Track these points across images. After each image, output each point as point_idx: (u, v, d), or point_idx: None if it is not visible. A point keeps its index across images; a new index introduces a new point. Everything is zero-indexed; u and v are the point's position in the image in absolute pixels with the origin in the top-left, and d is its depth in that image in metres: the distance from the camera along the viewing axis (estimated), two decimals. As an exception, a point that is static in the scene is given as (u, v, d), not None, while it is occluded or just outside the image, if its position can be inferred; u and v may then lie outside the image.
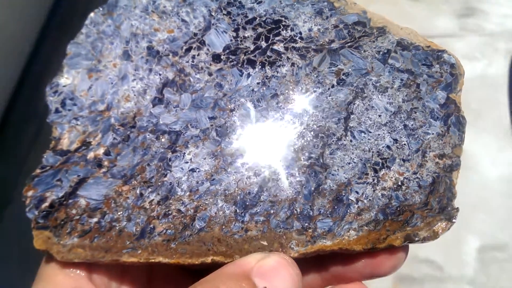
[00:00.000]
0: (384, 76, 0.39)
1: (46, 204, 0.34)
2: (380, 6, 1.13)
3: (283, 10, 0.42)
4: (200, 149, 0.36)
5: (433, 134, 0.37)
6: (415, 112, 0.38)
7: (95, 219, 0.34)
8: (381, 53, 0.40)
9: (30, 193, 0.34)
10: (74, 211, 0.34)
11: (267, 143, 0.37)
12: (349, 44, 0.40)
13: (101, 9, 0.42)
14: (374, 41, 0.40)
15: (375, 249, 0.33)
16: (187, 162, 0.36)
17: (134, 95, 0.38)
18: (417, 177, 0.36)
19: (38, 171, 0.35)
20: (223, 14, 0.41)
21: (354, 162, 0.36)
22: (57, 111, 0.37)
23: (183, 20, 0.41)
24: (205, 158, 0.36)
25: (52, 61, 1.06)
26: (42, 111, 0.99)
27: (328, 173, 0.36)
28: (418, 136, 0.37)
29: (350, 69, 0.39)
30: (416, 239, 0.33)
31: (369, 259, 0.34)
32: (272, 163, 0.36)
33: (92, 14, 0.42)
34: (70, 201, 0.34)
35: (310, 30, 0.41)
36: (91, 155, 0.36)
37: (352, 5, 0.42)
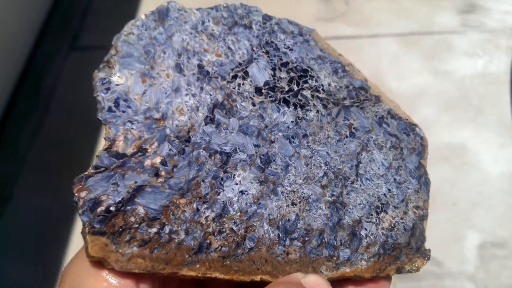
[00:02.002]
0: (380, 136, 0.48)
1: (102, 208, 0.32)
2: (382, 3, 1.13)
3: (309, 62, 0.48)
4: (248, 173, 0.39)
5: (411, 189, 0.47)
6: (401, 170, 0.48)
7: (154, 229, 0.33)
8: (377, 117, 0.49)
9: (83, 194, 0.31)
10: (132, 219, 0.32)
11: (301, 175, 0.41)
12: (356, 104, 0.49)
13: (151, 13, 0.41)
14: (373, 106, 0.50)
15: (377, 276, 0.41)
16: (237, 184, 0.38)
17: (188, 109, 0.39)
18: (403, 222, 0.45)
19: (91, 170, 0.33)
20: (263, 52, 0.45)
21: (363, 204, 0.43)
22: (110, 109, 0.35)
23: (229, 48, 0.44)
24: (252, 182, 0.39)
25: (52, 57, 1.07)
26: (42, 108, 0.99)
27: (346, 210, 0.42)
28: (403, 189, 0.47)
29: (358, 125, 0.47)
30: (403, 271, 0.42)
31: (372, 284, 0.41)
32: (305, 195, 0.41)
33: (143, 17, 0.41)
34: (128, 207, 0.33)
35: (329, 84, 0.48)
36: (148, 162, 0.35)
37: (358, 72, 0.51)
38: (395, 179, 0.47)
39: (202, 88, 0.41)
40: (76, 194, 0.32)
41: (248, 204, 0.38)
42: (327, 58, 0.50)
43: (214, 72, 0.42)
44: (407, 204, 0.47)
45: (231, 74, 0.43)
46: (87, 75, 1.04)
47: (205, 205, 0.36)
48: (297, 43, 0.49)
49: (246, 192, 0.38)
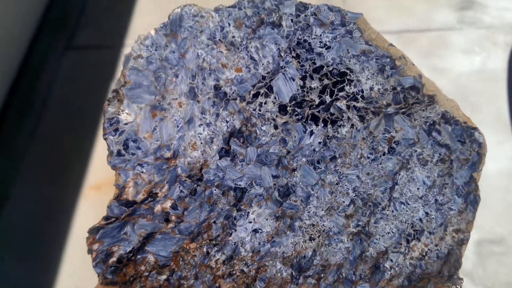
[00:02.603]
0: (427, 149, 0.42)
1: (114, 259, 0.33)
2: (379, 0, 1.12)
3: (349, 61, 0.41)
4: (263, 209, 0.37)
5: (455, 210, 0.42)
6: (445, 188, 0.43)
7: (164, 276, 0.34)
8: (427, 124, 0.43)
9: (95, 247, 0.33)
10: (143, 267, 0.34)
11: (323, 206, 0.39)
12: (403, 110, 0.42)
13: (162, 26, 0.37)
14: (424, 110, 0.43)
15: None
16: (250, 222, 0.37)
17: (201, 143, 0.36)
18: (437, 249, 0.42)
19: (102, 222, 0.33)
20: (292, 56, 0.39)
21: (393, 232, 0.40)
22: (119, 154, 0.34)
23: (251, 58, 0.38)
24: (267, 219, 0.37)
25: (49, 56, 1.05)
26: (39, 107, 0.98)
27: (371, 241, 0.40)
28: (444, 211, 0.42)
29: (400, 138, 0.42)
30: None
31: None
32: (326, 228, 0.39)
33: (152, 32, 0.37)
34: (139, 256, 0.34)
35: (371, 89, 0.41)
36: (158, 208, 0.35)
37: (411, 66, 0.43)
38: (436, 200, 0.43)
39: (218, 115, 0.37)
40: (89, 247, 0.33)
41: (262, 243, 0.37)
42: (373, 53, 0.42)
43: (233, 93, 0.38)
44: (446, 228, 0.43)
45: (252, 92, 0.38)
46: (83, 74, 1.00)
47: (216, 248, 0.36)
48: (336, 37, 0.41)
49: (260, 231, 0.37)
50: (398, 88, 0.42)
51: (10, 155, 0.93)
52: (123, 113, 0.35)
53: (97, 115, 0.96)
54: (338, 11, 0.42)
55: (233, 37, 0.38)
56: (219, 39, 0.38)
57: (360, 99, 0.41)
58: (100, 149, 0.90)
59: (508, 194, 0.82)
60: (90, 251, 0.34)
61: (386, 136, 0.42)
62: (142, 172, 0.35)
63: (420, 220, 0.42)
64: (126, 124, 0.35)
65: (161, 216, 0.35)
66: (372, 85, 0.42)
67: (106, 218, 0.34)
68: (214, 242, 0.36)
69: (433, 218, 0.43)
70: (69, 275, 0.77)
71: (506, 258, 0.78)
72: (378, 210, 0.41)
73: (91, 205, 0.83)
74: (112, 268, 0.34)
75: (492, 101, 0.95)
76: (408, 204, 0.42)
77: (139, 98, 0.36)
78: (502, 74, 0.98)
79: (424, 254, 0.42)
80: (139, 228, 0.34)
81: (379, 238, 0.41)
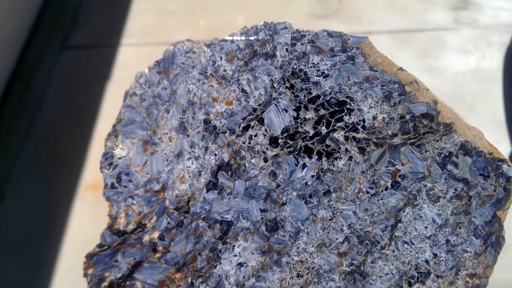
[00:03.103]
0: (439, 183, 0.38)
1: (106, 284, 0.36)
2: (375, 0, 1.10)
3: (350, 89, 0.39)
4: (249, 243, 0.37)
5: (471, 252, 0.38)
6: (460, 228, 0.38)
7: None
8: (442, 155, 0.39)
9: (90, 271, 0.36)
10: None
11: (314, 242, 0.38)
12: (412, 140, 0.39)
13: (156, 64, 0.38)
14: (438, 140, 0.39)
15: None
16: (235, 256, 0.37)
17: (189, 176, 0.38)
18: None
19: (96, 249, 0.36)
20: (286, 87, 0.38)
21: (392, 274, 0.38)
22: (113, 186, 0.37)
23: (243, 90, 0.38)
24: (253, 253, 0.37)
25: (43, 56, 1.05)
26: (34, 106, 0.98)
27: (366, 281, 0.38)
28: (456, 253, 0.38)
29: (407, 171, 0.38)
30: None
31: None
32: (316, 265, 0.37)
33: (146, 71, 0.38)
34: (128, 283, 0.36)
35: (374, 118, 0.39)
36: (146, 238, 0.37)
37: (424, 92, 0.39)
38: (448, 241, 0.39)
39: (206, 149, 0.38)
40: (84, 272, 0.37)
41: (246, 277, 0.37)
42: (378, 79, 0.39)
43: (222, 126, 0.38)
44: (457, 272, 0.38)
45: (242, 125, 0.38)
46: (78, 74, 0.99)
47: (200, 279, 0.37)
48: (336, 64, 0.39)
49: (245, 264, 0.38)
50: (407, 117, 0.39)
51: (5, 155, 0.92)
52: (117, 148, 0.38)
53: (92, 115, 0.96)
54: (339, 36, 0.39)
55: (225, 70, 0.39)
56: (211, 74, 0.39)
57: (361, 129, 0.39)
58: (95, 149, 0.91)
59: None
60: (85, 275, 0.37)
61: (390, 170, 0.39)
62: (133, 203, 0.37)
63: (427, 261, 0.39)
64: (119, 158, 0.38)
65: (149, 246, 0.37)
66: (376, 114, 0.39)
67: (100, 245, 0.37)
68: (198, 273, 0.37)
69: (442, 260, 0.39)
70: (64, 275, 0.80)
71: (502, 257, 0.74)
72: (376, 249, 0.38)
73: (86, 206, 0.85)
74: None
75: (487, 100, 0.94)
76: (413, 244, 0.39)
77: (132, 134, 0.38)
78: (497, 73, 0.97)
79: None
80: (128, 256, 0.37)
81: (376, 279, 0.38)
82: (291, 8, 1.07)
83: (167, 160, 0.38)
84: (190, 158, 0.38)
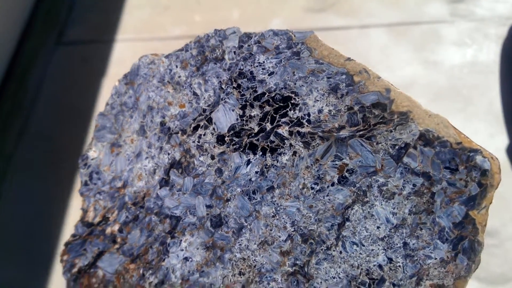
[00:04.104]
0: (394, 178, 0.34)
1: (76, 269, 0.40)
2: None
3: (295, 84, 0.38)
4: (195, 238, 0.38)
5: (435, 259, 0.32)
6: (421, 229, 0.33)
7: None
8: (396, 147, 0.34)
9: (65, 257, 0.41)
10: (94, 280, 0.40)
11: (256, 240, 0.37)
12: (361, 132, 0.35)
13: (124, 78, 0.43)
14: (391, 131, 0.35)
15: None
16: (182, 250, 0.38)
17: (146, 174, 0.41)
18: None
19: (70, 238, 0.41)
20: (233, 87, 0.39)
21: (340, 278, 0.34)
22: (86, 184, 0.42)
23: (194, 93, 0.41)
24: (198, 248, 0.38)
25: (38, 53, 1.03)
26: (28, 104, 0.97)
27: (310, 284, 0.35)
28: (417, 259, 0.33)
29: (355, 165, 0.35)
30: None
31: None
32: (257, 263, 0.36)
33: (117, 84, 0.44)
34: (92, 270, 0.40)
35: (320, 111, 0.37)
36: (108, 230, 0.41)
37: (375, 81, 0.36)
38: (405, 244, 0.33)
39: (161, 148, 0.41)
40: (61, 257, 0.42)
41: (191, 271, 0.38)
42: (324, 72, 0.37)
43: (176, 127, 0.41)
44: (419, 281, 0.32)
45: (193, 126, 0.40)
46: (73, 70, 0.98)
47: (150, 271, 0.39)
48: (281, 61, 0.39)
49: (190, 259, 0.38)
50: (356, 108, 0.36)
51: (0, 153, 0.90)
52: (91, 151, 0.43)
53: (88, 111, 0.95)
54: (285, 34, 0.39)
55: (179, 77, 0.42)
56: (167, 81, 0.42)
57: (306, 123, 0.37)
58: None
59: (500, 186, 0.66)
60: (62, 260, 0.42)
61: (336, 164, 0.36)
62: (100, 199, 0.42)
63: (380, 266, 0.34)
64: (92, 159, 0.43)
65: (110, 238, 0.41)
66: (322, 107, 0.37)
67: (73, 235, 0.42)
68: (149, 265, 0.39)
69: (399, 266, 0.33)
70: (61, 274, 0.81)
71: (499, 250, 0.76)
72: (322, 250, 0.35)
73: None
74: (74, 277, 0.41)
75: (484, 93, 0.91)
76: (363, 246, 0.34)
77: (103, 138, 0.43)
78: (494, 66, 0.95)
79: None
80: (94, 246, 0.41)
81: (321, 282, 0.35)
82: (288, 2, 1.04)
83: (129, 160, 0.42)
84: (147, 157, 0.41)
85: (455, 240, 0.32)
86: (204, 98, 0.41)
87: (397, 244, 0.34)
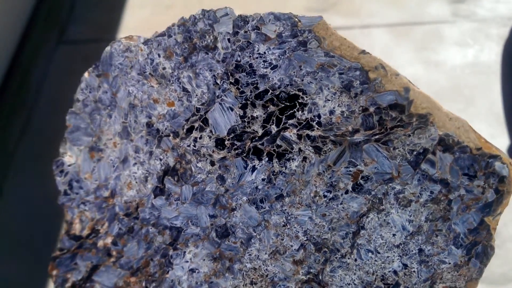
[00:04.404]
0: (411, 185, 0.33)
1: (69, 284, 0.38)
2: None
3: (302, 80, 0.33)
4: (200, 249, 0.36)
5: (449, 264, 0.33)
6: (437, 236, 0.33)
7: None
8: (414, 153, 0.33)
9: (54, 272, 0.38)
10: None
11: (267, 250, 0.35)
12: (376, 136, 0.33)
13: (94, 68, 0.36)
14: (409, 135, 0.33)
15: None
16: (187, 262, 0.36)
17: (136, 182, 0.37)
18: None
19: (58, 252, 0.38)
20: (230, 82, 0.34)
21: (355, 284, 0.34)
22: (65, 193, 0.38)
23: (184, 89, 0.35)
24: (204, 260, 0.36)
25: (39, 54, 1.04)
26: (30, 102, 0.98)
27: None
28: (431, 264, 0.33)
29: (371, 172, 0.33)
30: None
31: None
32: (270, 273, 0.35)
33: (86, 75, 0.37)
34: (88, 284, 0.38)
35: (331, 112, 0.33)
36: (100, 243, 0.37)
37: (393, 78, 0.33)
38: (420, 250, 0.33)
39: (151, 153, 0.36)
40: (50, 273, 0.38)
41: (199, 283, 0.36)
42: (335, 66, 0.33)
43: (165, 129, 0.36)
44: (433, 284, 0.33)
45: (186, 127, 0.36)
46: (75, 69, 0.93)
47: (154, 284, 0.37)
48: (285, 52, 0.33)
49: (196, 270, 0.36)
50: (372, 109, 0.33)
51: (2, 151, 0.91)
52: (66, 156, 0.38)
53: None
54: (288, 19, 0.34)
55: (164, 68, 0.35)
56: (149, 73, 0.36)
57: (316, 126, 0.34)
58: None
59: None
60: (51, 276, 0.39)
61: (350, 171, 0.34)
62: (85, 210, 0.38)
63: (395, 272, 0.34)
64: (69, 165, 0.38)
65: (104, 251, 0.38)
66: (333, 107, 0.33)
67: (60, 249, 0.38)
68: (152, 278, 0.37)
69: (414, 271, 0.34)
70: None
71: (499, 251, 0.77)
72: (336, 258, 0.35)
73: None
74: None
75: (486, 94, 0.92)
76: (378, 253, 0.34)
77: (79, 141, 0.37)
78: (495, 66, 0.95)
79: None
80: (85, 260, 0.38)
81: None
82: (289, 2, 1.06)
83: (114, 166, 0.37)
84: (136, 163, 0.37)
85: (469, 245, 0.33)
86: (196, 95, 0.35)
87: (412, 251, 0.34)
